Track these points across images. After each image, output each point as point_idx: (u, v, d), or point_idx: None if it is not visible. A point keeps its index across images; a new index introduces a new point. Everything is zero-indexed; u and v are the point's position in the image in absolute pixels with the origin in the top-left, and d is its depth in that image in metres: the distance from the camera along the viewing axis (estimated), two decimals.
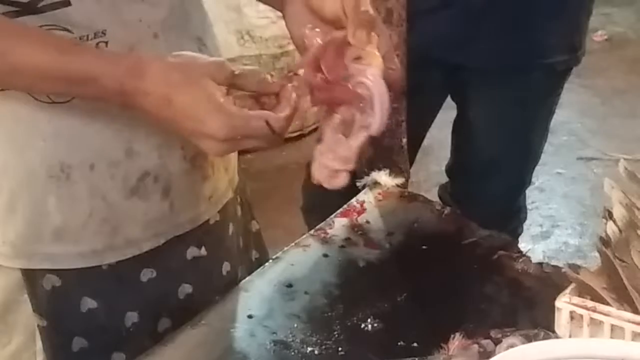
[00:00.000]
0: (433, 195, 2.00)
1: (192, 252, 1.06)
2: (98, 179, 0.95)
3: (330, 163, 0.87)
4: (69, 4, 0.89)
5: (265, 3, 1.08)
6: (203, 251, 1.07)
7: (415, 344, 0.91)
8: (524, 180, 2.13)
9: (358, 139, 0.86)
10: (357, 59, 0.85)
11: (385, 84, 0.84)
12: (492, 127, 1.96)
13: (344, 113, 0.87)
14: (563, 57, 1.87)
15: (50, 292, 0.99)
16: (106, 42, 0.91)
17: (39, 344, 1.00)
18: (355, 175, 1.25)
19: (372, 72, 0.85)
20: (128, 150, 0.95)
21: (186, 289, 1.06)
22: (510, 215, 2.09)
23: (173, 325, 1.03)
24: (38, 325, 0.99)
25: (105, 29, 0.91)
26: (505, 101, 1.90)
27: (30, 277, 0.98)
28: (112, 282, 1.01)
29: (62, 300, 1.00)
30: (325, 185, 0.87)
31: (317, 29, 0.88)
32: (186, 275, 1.06)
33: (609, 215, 0.75)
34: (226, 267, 1.11)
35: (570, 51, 1.89)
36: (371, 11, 0.85)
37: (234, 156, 1.14)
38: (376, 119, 0.85)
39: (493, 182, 1.98)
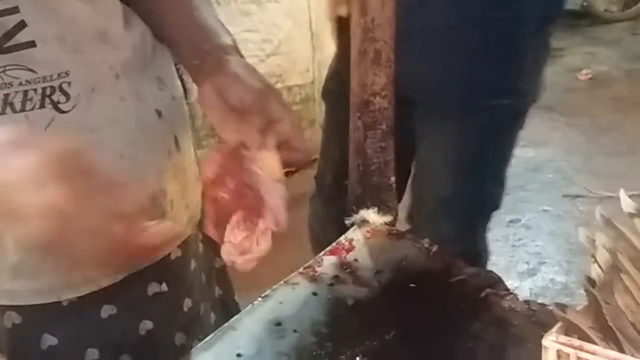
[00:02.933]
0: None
1: (152, 288, 1.06)
2: None
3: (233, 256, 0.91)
4: (34, 45, 0.91)
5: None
6: (164, 287, 1.07)
7: None
8: (476, 225, 2.09)
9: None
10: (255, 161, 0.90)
11: (276, 182, 0.90)
12: (441, 168, 1.94)
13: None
14: (507, 101, 1.86)
15: (10, 330, 0.99)
16: (69, 83, 0.93)
17: None
18: (344, 213, 1.26)
19: (262, 180, 0.89)
20: None
21: (147, 325, 1.06)
22: (468, 261, 2.07)
23: None
24: None
25: (69, 69, 0.93)
26: (452, 142, 1.89)
27: None
28: (72, 318, 1.01)
29: (22, 338, 1.00)
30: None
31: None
32: (147, 311, 1.06)
33: (593, 258, 0.77)
34: (188, 303, 1.11)
35: (516, 95, 1.88)
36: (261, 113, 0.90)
37: (196, 193, 1.14)
38: (272, 219, 0.90)
39: (442, 225, 1.95)
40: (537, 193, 3.65)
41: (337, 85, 1.92)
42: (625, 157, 3.77)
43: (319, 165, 2.21)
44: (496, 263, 3.08)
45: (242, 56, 1.00)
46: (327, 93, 2.16)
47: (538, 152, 4.05)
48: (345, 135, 1.81)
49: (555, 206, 3.52)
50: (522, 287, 2.91)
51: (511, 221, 3.43)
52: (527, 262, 3.11)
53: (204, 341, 0.98)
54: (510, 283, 1.16)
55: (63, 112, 0.93)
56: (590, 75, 4.97)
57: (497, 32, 1.78)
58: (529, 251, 3.19)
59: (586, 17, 6.01)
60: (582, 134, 4.20)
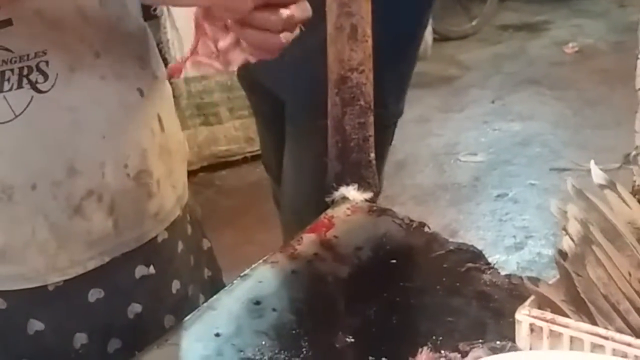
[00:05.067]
0: (407, 209, 2.02)
1: (140, 270, 1.05)
2: (40, 199, 0.94)
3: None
4: (11, 23, 0.89)
5: None
6: (152, 270, 1.06)
7: (384, 359, 0.91)
8: None
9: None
10: None
11: None
12: (298, 175, 1.87)
13: None
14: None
15: None
16: (47, 62, 0.92)
17: None
18: (324, 190, 1.26)
19: None
20: (70, 169, 0.94)
21: (135, 308, 1.05)
22: None
23: (123, 345, 1.03)
24: None
25: (46, 49, 0.92)
26: (307, 149, 1.78)
27: None
28: (59, 303, 1.00)
29: (8, 323, 0.99)
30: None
31: None
32: (135, 294, 1.05)
33: (565, 230, 0.77)
34: (176, 285, 1.10)
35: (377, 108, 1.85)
36: None
37: (182, 174, 1.14)
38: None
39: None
40: (524, 167, 3.65)
41: (246, 71, 1.86)
42: (612, 129, 3.77)
43: (261, 149, 2.20)
44: (483, 237, 3.10)
45: None
46: (241, 78, 2.13)
47: (525, 126, 4.06)
48: (266, 118, 1.76)
49: (542, 180, 3.52)
50: (509, 261, 2.92)
51: (498, 195, 3.44)
52: (514, 236, 3.12)
53: (183, 321, 0.98)
54: (497, 257, 1.17)
55: (41, 92, 0.92)
56: (576, 48, 4.97)
57: None
58: (516, 225, 3.20)
59: None
60: (569, 107, 4.20)
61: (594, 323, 0.72)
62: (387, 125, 1.84)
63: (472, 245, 1.14)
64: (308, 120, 1.69)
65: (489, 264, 1.09)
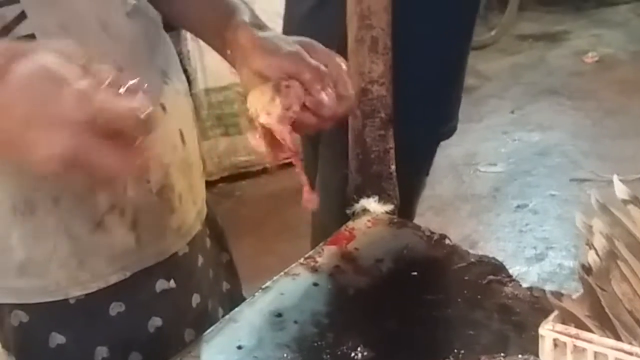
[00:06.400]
0: (426, 220, 2.01)
1: (161, 284, 1.06)
2: (63, 213, 0.95)
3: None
4: (35, 38, 0.89)
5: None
6: (172, 284, 1.07)
7: None
8: None
9: None
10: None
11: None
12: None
13: None
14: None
15: (17, 328, 0.99)
16: None
17: None
18: (343, 202, 1.26)
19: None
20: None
21: (156, 322, 1.05)
22: None
23: (144, 359, 1.03)
24: None
25: None
26: None
27: None
28: (80, 316, 1.00)
29: (30, 336, 1.00)
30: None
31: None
32: (156, 308, 1.06)
33: (590, 244, 0.76)
34: (196, 299, 1.11)
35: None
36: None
37: (201, 188, 1.14)
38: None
39: None
40: (544, 178, 3.63)
41: None
42: (631, 139, 3.75)
43: (304, 159, 2.20)
44: (504, 249, 3.08)
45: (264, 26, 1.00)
46: None
47: (544, 136, 4.04)
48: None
49: (562, 190, 3.50)
50: (529, 272, 2.90)
51: (518, 206, 3.42)
52: (535, 248, 3.10)
53: (204, 333, 0.98)
54: (517, 269, 1.16)
55: None
56: (596, 58, 4.94)
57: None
58: (536, 236, 3.18)
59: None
60: (589, 117, 4.18)
61: (618, 338, 0.71)
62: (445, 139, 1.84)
63: (493, 258, 1.13)
64: (340, 144, 1.70)
65: (510, 276, 1.08)
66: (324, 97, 0.90)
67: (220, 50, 1.01)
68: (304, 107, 0.91)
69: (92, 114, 0.66)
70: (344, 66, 0.94)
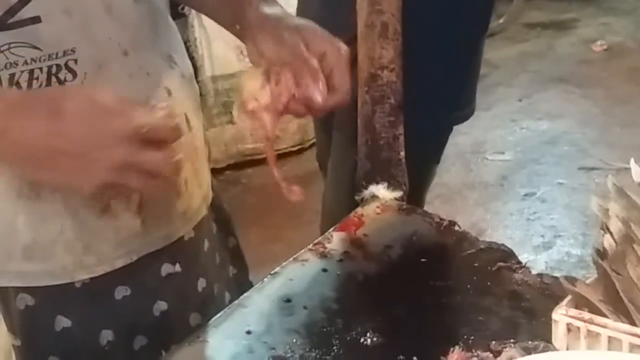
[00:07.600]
0: (434, 208, 1.99)
1: (166, 268, 1.06)
2: (69, 197, 0.95)
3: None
4: (39, 20, 0.89)
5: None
6: (177, 268, 1.07)
7: (414, 358, 0.91)
8: None
9: None
10: None
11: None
12: None
13: None
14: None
15: (23, 311, 0.99)
16: (75, 60, 0.92)
17: None
18: (353, 188, 1.25)
19: None
20: None
21: (161, 306, 1.06)
22: None
23: (149, 342, 1.03)
24: (13, 345, 0.99)
25: (75, 47, 0.92)
26: None
27: (4, 296, 0.99)
28: (86, 300, 1.01)
29: (35, 319, 1.00)
30: None
31: None
32: (161, 292, 1.06)
33: (606, 228, 0.75)
34: (202, 283, 1.11)
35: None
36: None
37: (207, 173, 1.14)
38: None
39: None
40: (552, 166, 3.62)
41: None
42: None
43: (317, 148, 2.20)
44: (511, 237, 3.07)
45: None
46: None
47: (553, 125, 4.02)
48: (321, 120, 1.73)
49: (570, 179, 3.49)
50: (537, 260, 2.89)
51: (526, 194, 3.41)
52: (543, 236, 3.08)
53: (214, 318, 0.98)
54: (525, 257, 1.15)
55: None
56: (605, 46, 4.91)
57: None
58: (544, 224, 3.16)
59: None
60: (597, 105, 4.15)
61: (633, 323, 0.71)
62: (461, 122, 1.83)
63: (503, 244, 1.13)
64: (353, 129, 1.70)
65: (520, 263, 1.08)
66: (313, 91, 0.92)
67: (229, 26, 1.02)
68: (293, 98, 0.93)
69: (135, 128, 0.81)
70: (343, 53, 0.94)
